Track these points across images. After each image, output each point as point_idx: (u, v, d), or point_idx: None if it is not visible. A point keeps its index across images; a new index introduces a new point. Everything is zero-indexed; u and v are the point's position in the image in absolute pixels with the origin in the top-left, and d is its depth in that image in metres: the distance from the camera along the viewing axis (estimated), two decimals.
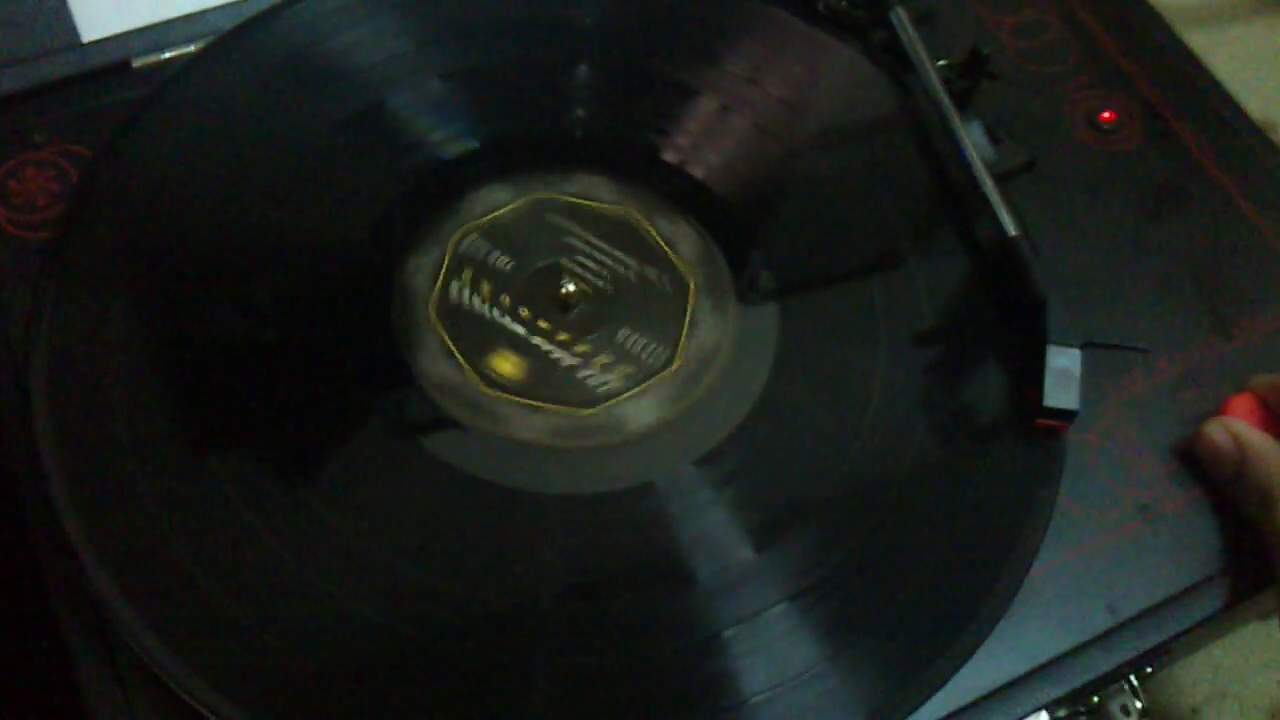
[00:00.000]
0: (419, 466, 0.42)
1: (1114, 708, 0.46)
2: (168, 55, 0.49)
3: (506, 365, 0.44)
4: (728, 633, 0.39)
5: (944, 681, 0.40)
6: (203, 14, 0.51)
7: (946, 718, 0.40)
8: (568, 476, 0.42)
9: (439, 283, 0.45)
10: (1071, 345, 0.44)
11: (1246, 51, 0.68)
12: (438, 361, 0.44)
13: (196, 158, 0.46)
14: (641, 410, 0.44)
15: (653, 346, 0.45)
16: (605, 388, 0.44)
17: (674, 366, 0.45)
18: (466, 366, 0.44)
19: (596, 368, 0.45)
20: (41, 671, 0.46)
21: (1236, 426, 0.45)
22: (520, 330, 0.45)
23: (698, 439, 0.44)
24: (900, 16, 0.50)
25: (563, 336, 0.45)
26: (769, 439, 0.44)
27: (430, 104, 0.49)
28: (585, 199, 0.48)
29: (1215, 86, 0.55)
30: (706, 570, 0.41)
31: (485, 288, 0.45)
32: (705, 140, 0.50)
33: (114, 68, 0.49)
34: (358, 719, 0.37)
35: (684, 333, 0.46)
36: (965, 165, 0.48)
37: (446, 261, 0.46)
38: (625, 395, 0.44)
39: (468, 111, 0.49)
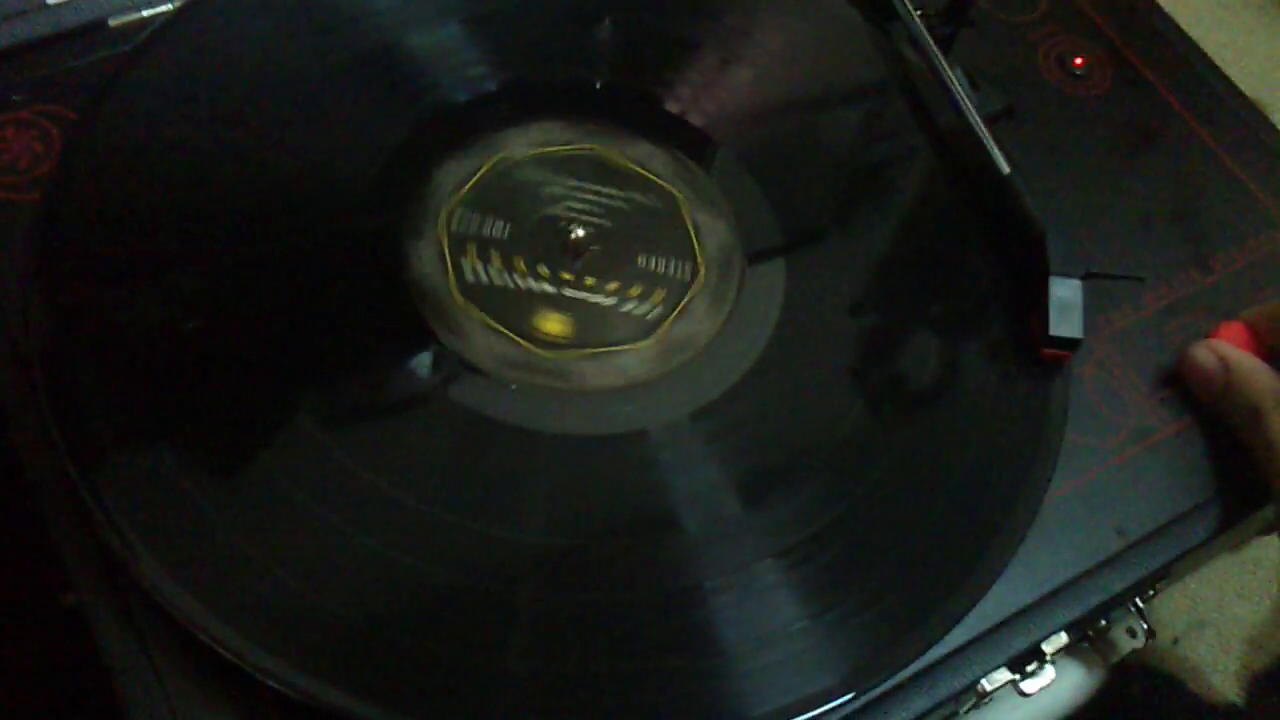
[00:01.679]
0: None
1: (1119, 632, 0.47)
2: (145, 14, 0.48)
3: (553, 325, 0.44)
4: (710, 583, 0.39)
5: (964, 613, 0.40)
6: None
7: (970, 643, 0.41)
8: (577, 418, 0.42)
9: (449, 268, 0.44)
10: (1072, 276, 0.45)
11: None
12: (489, 340, 0.43)
13: (190, 108, 0.44)
14: (694, 324, 0.44)
15: (674, 262, 0.46)
16: (653, 314, 0.44)
17: (701, 275, 0.45)
18: (517, 338, 0.43)
19: (634, 298, 0.45)
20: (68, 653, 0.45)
21: (1222, 348, 0.46)
22: (548, 288, 0.45)
23: (696, 391, 0.44)
24: None
25: (589, 280, 0.45)
26: (768, 394, 0.44)
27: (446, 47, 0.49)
28: (546, 146, 0.48)
29: (1177, 31, 0.57)
30: (694, 520, 0.41)
31: (495, 258, 0.45)
32: (723, 106, 0.51)
33: (90, 27, 0.48)
34: (378, 660, 0.37)
35: (695, 241, 0.46)
36: (955, 108, 0.48)
37: (445, 244, 0.45)
38: (674, 313, 0.44)
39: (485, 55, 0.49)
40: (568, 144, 0.48)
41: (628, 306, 0.45)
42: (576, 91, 0.50)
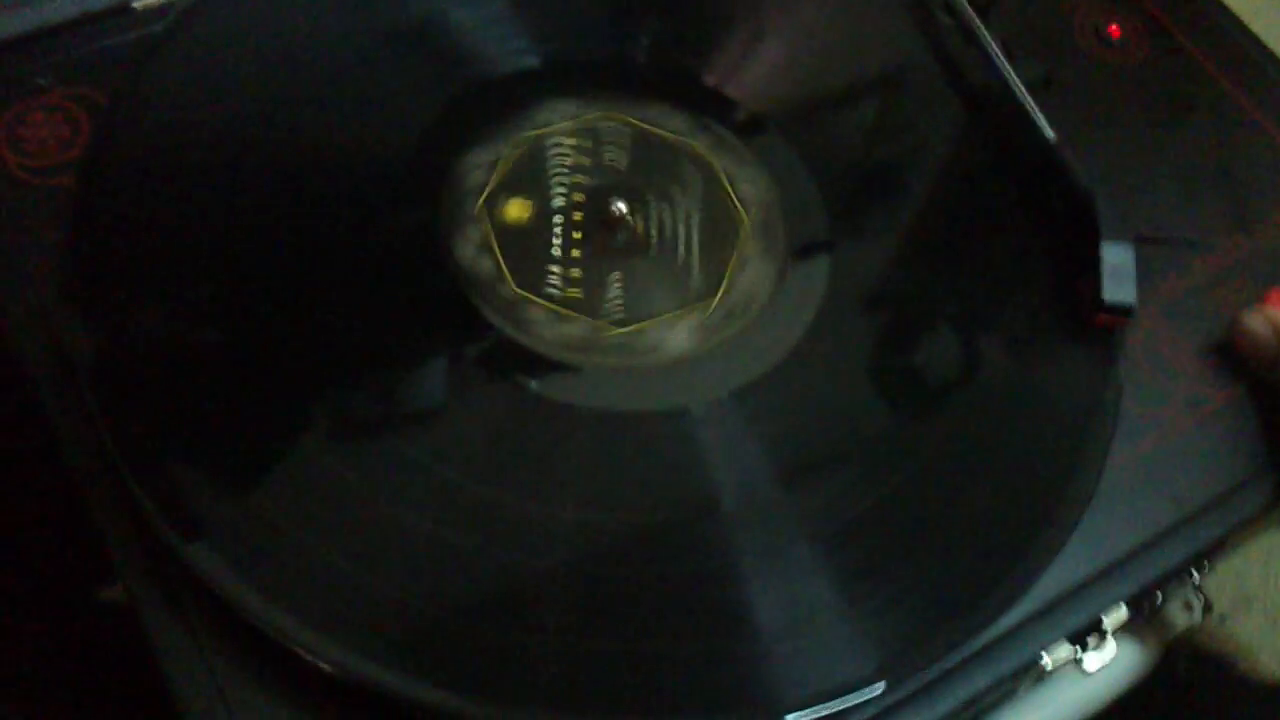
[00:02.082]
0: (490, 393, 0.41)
1: (1175, 607, 0.46)
2: None
3: (516, 209, 0.44)
4: (746, 562, 0.39)
5: (1024, 590, 0.40)
6: None
7: (1030, 618, 0.41)
8: (599, 392, 0.42)
9: (499, 258, 0.43)
10: (1124, 240, 0.44)
11: None
12: (552, 325, 0.43)
13: (226, 84, 0.44)
14: (679, 335, 0.43)
15: (701, 273, 0.45)
16: (648, 308, 0.44)
17: (719, 294, 0.44)
18: (579, 315, 0.43)
19: (681, 267, 0.44)
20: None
21: (1276, 314, 0.46)
22: (597, 263, 0.44)
23: (739, 370, 0.43)
24: None
25: (611, 256, 0.44)
26: (813, 374, 0.43)
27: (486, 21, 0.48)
28: (573, 119, 0.47)
29: None
30: (731, 500, 0.40)
31: (540, 238, 0.44)
32: (763, 79, 0.50)
33: (114, 10, 0.47)
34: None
35: (732, 264, 0.45)
36: (996, 77, 0.48)
37: (492, 234, 0.44)
38: (668, 316, 0.43)
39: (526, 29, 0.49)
40: (599, 116, 0.47)
41: (677, 274, 0.44)
42: (604, 68, 0.49)
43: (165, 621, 0.36)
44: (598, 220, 0.45)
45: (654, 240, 0.45)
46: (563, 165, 0.46)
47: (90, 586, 0.51)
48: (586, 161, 0.46)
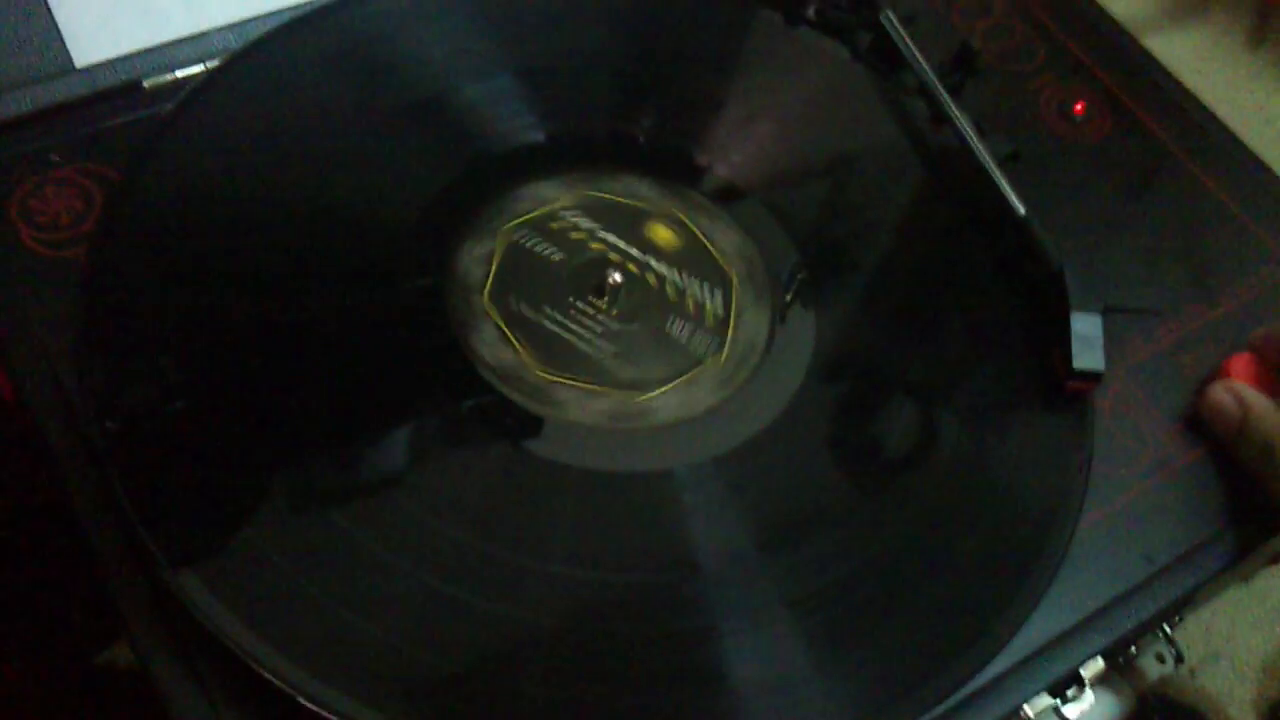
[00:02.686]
0: (490, 455, 0.42)
1: (1148, 659, 0.48)
2: (179, 75, 0.49)
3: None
4: (725, 624, 0.40)
5: (1002, 646, 0.41)
6: (206, 35, 0.51)
7: (1009, 671, 0.42)
8: (610, 455, 0.43)
9: (513, 342, 0.45)
10: (1092, 310, 0.46)
11: (1191, 50, 0.73)
12: (578, 400, 0.44)
13: (235, 159, 0.46)
14: (684, 400, 0.45)
15: (700, 337, 0.47)
16: (655, 375, 0.45)
17: (722, 357, 0.46)
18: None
19: (648, 352, 0.46)
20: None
21: (1238, 387, 0.48)
22: (603, 331, 0.46)
23: (724, 436, 0.45)
24: (891, 18, 0.53)
25: (610, 324, 0.46)
26: (795, 445, 0.45)
27: (489, 99, 0.50)
28: (627, 198, 0.50)
29: (1167, 77, 0.59)
30: (711, 562, 0.42)
31: (547, 313, 0.46)
32: (731, 143, 0.52)
33: (125, 88, 0.49)
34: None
35: (731, 325, 0.47)
36: (969, 154, 0.50)
37: (500, 321, 0.46)
38: (673, 384, 0.45)
39: (525, 108, 0.51)
40: (579, 194, 0.50)
41: (683, 332, 0.46)
42: (668, 156, 0.52)
43: (171, 671, 0.37)
44: (598, 292, 0.47)
45: (654, 305, 0.47)
46: (553, 246, 0.48)
47: (88, 651, 0.52)
48: (575, 238, 0.48)
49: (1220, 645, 0.59)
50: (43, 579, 0.52)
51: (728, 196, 0.51)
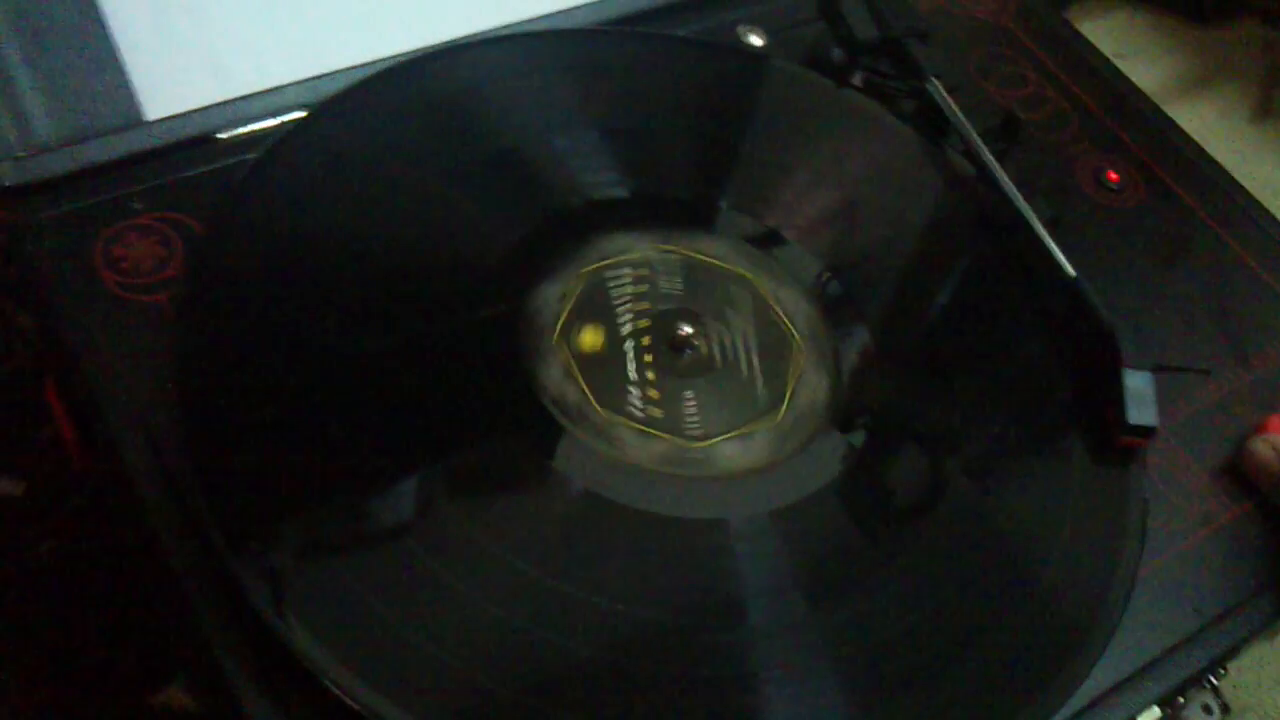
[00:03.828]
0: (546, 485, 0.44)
1: (1193, 710, 0.49)
2: (254, 128, 0.50)
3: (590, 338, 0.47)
4: (768, 673, 0.41)
5: (1059, 706, 0.42)
6: (276, 90, 0.52)
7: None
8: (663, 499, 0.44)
9: (582, 385, 0.46)
10: (1143, 368, 0.48)
11: (1197, 124, 0.76)
12: (640, 443, 0.46)
13: (319, 206, 0.47)
14: (741, 451, 0.46)
15: (765, 386, 0.48)
16: (714, 425, 0.47)
17: (779, 413, 0.47)
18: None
19: (710, 405, 0.47)
20: None
21: (1278, 441, 0.50)
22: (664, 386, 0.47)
23: (782, 490, 0.46)
24: (937, 86, 0.55)
25: (675, 372, 0.48)
26: (850, 503, 0.46)
27: (574, 152, 0.51)
28: (700, 254, 0.51)
29: (1193, 146, 0.61)
30: (759, 613, 0.43)
31: (615, 360, 0.48)
32: (798, 207, 0.54)
33: (200, 140, 0.50)
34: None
35: (790, 384, 0.48)
36: (1018, 218, 0.52)
37: (571, 361, 0.47)
38: (731, 434, 0.46)
39: (610, 163, 0.53)
40: (651, 248, 0.51)
41: (744, 388, 0.48)
42: (650, 205, 0.53)
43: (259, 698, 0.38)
44: (666, 343, 0.48)
45: (718, 358, 0.48)
46: (625, 294, 0.49)
47: (141, 692, 0.52)
48: (645, 289, 0.49)
49: (1247, 701, 0.60)
50: (97, 618, 0.52)
51: (792, 259, 0.52)
